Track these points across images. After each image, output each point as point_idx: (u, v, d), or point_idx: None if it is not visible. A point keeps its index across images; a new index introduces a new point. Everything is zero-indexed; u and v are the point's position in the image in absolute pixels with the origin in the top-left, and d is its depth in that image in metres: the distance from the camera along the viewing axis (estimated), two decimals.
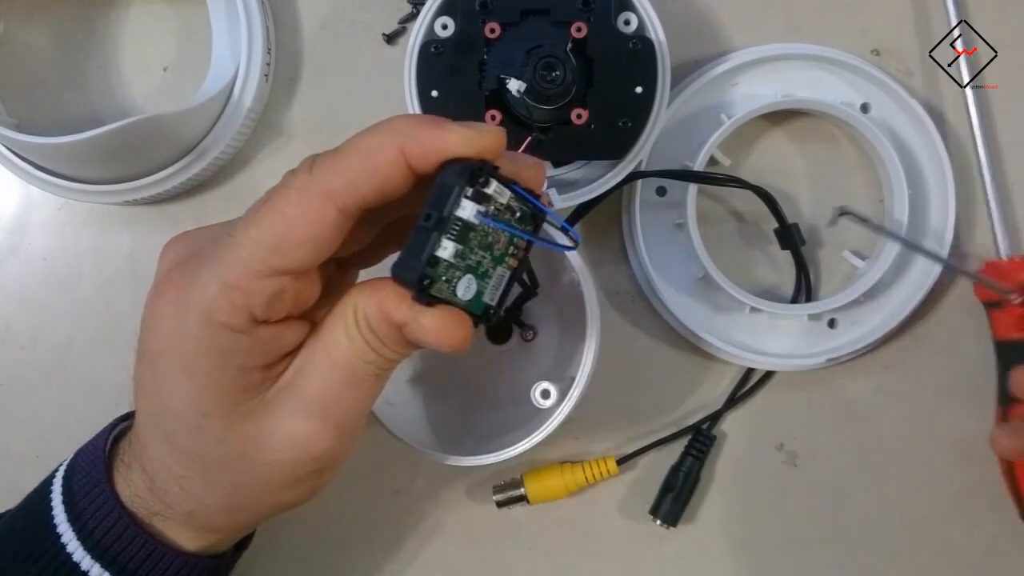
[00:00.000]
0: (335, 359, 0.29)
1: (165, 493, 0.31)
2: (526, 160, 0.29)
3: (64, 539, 0.31)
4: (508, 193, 0.27)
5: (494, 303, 0.29)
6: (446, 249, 0.26)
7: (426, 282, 0.26)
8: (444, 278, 0.27)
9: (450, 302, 0.27)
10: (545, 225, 0.31)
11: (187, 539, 0.32)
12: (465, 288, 0.28)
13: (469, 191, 0.26)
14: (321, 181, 0.26)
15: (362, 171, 0.26)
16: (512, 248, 0.29)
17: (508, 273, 0.29)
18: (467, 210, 0.26)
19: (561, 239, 0.30)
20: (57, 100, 0.46)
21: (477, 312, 0.28)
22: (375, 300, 0.28)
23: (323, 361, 0.29)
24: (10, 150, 0.42)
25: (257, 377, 0.29)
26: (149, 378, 0.30)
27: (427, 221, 0.26)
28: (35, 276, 0.46)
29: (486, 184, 0.27)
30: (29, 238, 0.46)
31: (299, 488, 0.31)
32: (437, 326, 0.27)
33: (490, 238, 0.28)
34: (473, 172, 0.26)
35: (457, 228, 0.26)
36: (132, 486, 0.32)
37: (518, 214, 0.28)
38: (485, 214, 0.27)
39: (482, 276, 0.28)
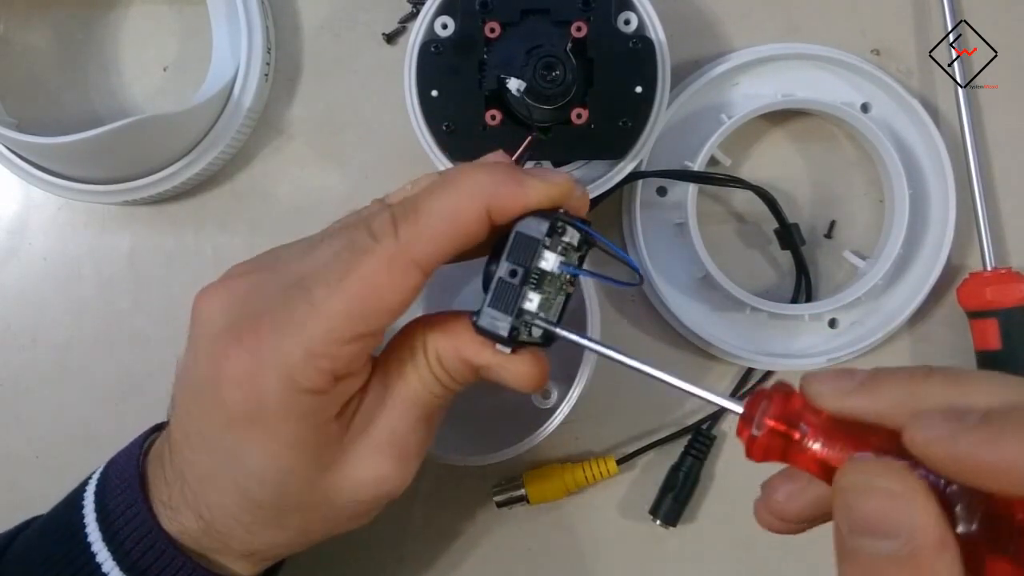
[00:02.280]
0: (406, 399, 0.30)
1: (226, 536, 0.31)
2: (575, 191, 0.30)
3: (99, 558, 0.31)
4: (576, 233, 0.29)
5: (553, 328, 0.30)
6: (532, 302, 0.28)
7: (514, 334, 0.28)
8: (525, 322, 0.28)
9: (527, 343, 0.29)
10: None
11: (239, 567, 0.32)
12: (537, 326, 0.29)
13: (548, 242, 0.27)
14: (410, 249, 0.27)
15: (450, 235, 0.27)
16: (568, 275, 0.30)
17: (564, 298, 0.30)
18: (550, 262, 0.28)
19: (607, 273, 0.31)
20: (57, 100, 0.46)
21: (541, 340, 0.29)
22: (451, 344, 0.29)
23: (394, 401, 0.30)
24: (10, 150, 0.42)
25: (334, 428, 0.29)
26: (218, 437, 0.29)
27: (512, 277, 0.27)
28: (35, 276, 0.46)
29: (563, 232, 0.28)
30: (29, 238, 0.46)
31: (364, 518, 0.32)
32: (524, 371, 0.29)
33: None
34: (552, 225, 0.27)
35: (537, 277, 0.28)
36: (180, 526, 0.31)
37: (575, 243, 0.29)
38: (565, 263, 0.28)
39: (548, 308, 0.29)
